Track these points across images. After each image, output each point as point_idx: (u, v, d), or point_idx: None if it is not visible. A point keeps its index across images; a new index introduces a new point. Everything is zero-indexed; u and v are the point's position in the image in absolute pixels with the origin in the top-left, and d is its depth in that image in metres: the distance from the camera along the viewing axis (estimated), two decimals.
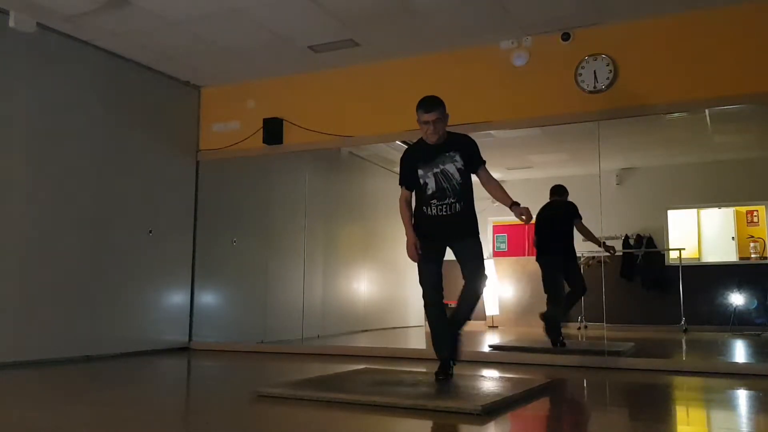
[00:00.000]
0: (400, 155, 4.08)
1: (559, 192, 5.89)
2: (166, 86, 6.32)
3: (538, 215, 5.95)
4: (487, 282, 3.91)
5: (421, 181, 3.91)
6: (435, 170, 3.87)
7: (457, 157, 3.85)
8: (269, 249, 6.75)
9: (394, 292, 8.00)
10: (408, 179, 3.98)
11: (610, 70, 5.08)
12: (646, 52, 5.02)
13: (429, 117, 3.82)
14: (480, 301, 3.90)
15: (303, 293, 6.33)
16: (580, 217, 5.63)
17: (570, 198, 5.85)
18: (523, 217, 3.71)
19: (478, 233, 3.92)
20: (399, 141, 6.09)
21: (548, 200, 5.89)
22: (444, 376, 3.82)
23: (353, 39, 5.46)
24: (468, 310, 3.90)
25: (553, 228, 5.81)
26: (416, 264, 3.93)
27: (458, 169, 3.85)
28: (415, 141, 4.07)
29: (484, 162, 3.95)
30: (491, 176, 3.93)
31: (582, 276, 5.77)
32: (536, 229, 5.95)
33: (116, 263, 5.65)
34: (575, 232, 5.68)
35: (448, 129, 3.94)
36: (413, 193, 4.02)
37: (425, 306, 3.93)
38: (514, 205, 3.78)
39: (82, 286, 5.33)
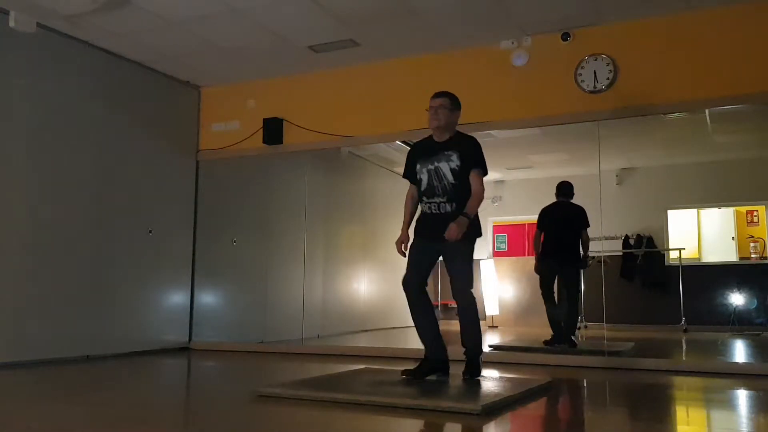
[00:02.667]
0: (401, 155, 4.11)
1: (565, 192, 5.72)
2: (166, 86, 6.32)
3: (543, 215, 5.87)
4: (474, 299, 3.82)
5: (417, 176, 3.96)
6: (429, 167, 3.90)
7: (454, 157, 3.84)
8: (269, 249, 6.75)
9: (394, 292, 7.92)
10: (408, 172, 4.06)
11: (610, 70, 5.08)
12: (646, 52, 5.02)
13: (433, 102, 3.92)
14: (479, 303, 3.89)
15: (303, 293, 6.32)
16: (588, 226, 5.52)
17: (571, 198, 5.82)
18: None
19: (471, 236, 3.79)
20: (399, 141, 6.09)
21: (553, 199, 5.77)
22: (410, 375, 3.74)
23: (353, 39, 5.46)
24: (469, 323, 3.82)
25: (559, 233, 5.70)
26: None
27: (452, 170, 3.82)
28: (423, 138, 4.12)
29: (482, 168, 3.84)
30: (478, 185, 3.80)
31: (579, 288, 5.71)
32: (539, 229, 5.82)
33: (116, 263, 5.65)
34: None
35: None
36: None
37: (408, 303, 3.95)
38: (461, 216, 3.70)
39: (82, 286, 5.33)
